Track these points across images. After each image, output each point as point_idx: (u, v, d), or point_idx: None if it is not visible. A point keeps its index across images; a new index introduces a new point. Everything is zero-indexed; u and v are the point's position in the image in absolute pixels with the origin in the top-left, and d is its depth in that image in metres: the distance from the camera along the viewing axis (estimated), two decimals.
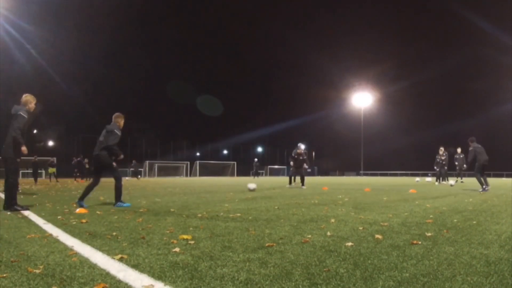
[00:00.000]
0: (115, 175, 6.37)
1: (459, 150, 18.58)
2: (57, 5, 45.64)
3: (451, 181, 16.68)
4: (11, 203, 5.65)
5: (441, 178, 17.86)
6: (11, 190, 5.74)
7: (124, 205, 6.21)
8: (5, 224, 4.24)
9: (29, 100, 5.87)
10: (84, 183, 19.27)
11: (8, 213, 5.37)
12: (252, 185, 11.26)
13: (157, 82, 70.86)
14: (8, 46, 39.22)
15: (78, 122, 53.80)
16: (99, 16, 55.12)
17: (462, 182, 18.61)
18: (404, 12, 74.16)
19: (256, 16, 79.22)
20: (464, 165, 17.60)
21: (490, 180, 14.08)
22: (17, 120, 5.64)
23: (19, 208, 5.59)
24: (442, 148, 17.89)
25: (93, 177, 6.55)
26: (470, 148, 11.07)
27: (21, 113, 5.69)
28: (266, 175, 54.67)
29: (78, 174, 26.51)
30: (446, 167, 17.87)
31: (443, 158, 17.66)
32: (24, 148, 5.62)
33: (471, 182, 18.26)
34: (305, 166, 13.45)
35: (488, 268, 2.32)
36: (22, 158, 5.91)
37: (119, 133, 6.36)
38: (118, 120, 6.55)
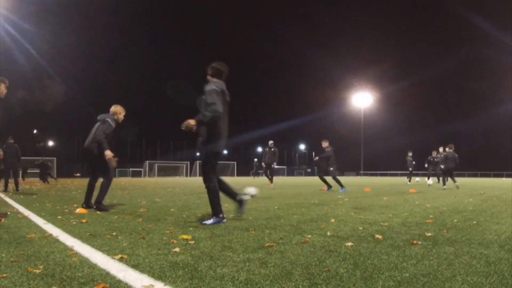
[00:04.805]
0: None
1: (441, 149, 18.71)
2: (57, 5, 45.66)
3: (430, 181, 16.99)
4: (98, 201, 5.66)
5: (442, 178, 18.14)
6: (103, 188, 5.75)
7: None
8: (5, 224, 4.24)
9: (118, 111, 6.05)
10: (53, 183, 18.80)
11: (97, 212, 5.40)
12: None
13: (157, 82, 70.87)
14: (8, 46, 39.21)
15: (78, 122, 53.83)
16: (99, 16, 55.19)
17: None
18: (404, 12, 74.20)
19: (256, 16, 79.29)
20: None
21: (490, 180, 14.06)
22: (105, 125, 5.80)
23: (103, 208, 5.58)
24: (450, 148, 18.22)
25: None
26: (328, 149, 11.40)
27: (109, 120, 5.86)
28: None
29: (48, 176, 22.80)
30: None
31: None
32: (108, 153, 5.63)
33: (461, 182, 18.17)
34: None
35: (488, 268, 2.32)
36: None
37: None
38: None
